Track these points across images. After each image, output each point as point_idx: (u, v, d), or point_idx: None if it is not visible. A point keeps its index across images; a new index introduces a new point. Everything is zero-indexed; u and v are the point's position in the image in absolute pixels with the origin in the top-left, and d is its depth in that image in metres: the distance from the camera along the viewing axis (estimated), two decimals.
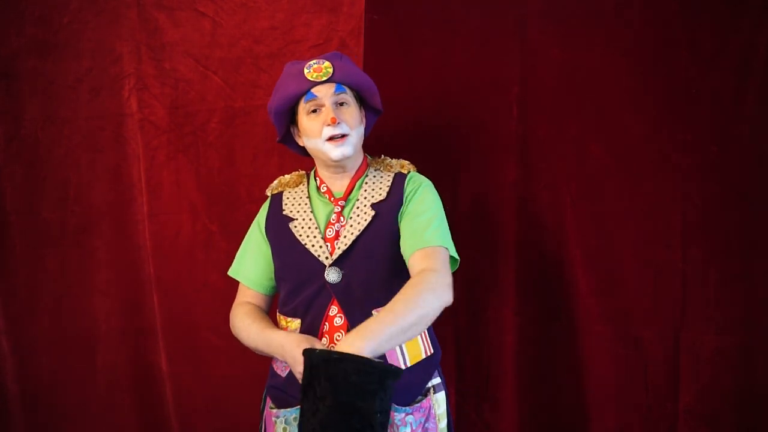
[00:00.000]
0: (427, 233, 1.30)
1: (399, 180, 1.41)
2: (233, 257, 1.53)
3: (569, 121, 1.71)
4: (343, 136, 1.34)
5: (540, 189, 1.74)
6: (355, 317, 1.28)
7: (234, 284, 1.64)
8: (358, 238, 1.32)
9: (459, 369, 1.81)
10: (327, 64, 1.35)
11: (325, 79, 1.34)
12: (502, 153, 1.76)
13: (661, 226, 1.67)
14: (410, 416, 1.32)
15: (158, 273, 1.93)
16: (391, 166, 1.45)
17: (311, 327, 1.32)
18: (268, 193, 1.51)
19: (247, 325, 1.37)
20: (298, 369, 1.16)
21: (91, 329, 1.98)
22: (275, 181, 1.51)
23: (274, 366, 1.41)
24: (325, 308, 1.32)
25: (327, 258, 1.33)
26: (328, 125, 1.32)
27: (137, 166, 1.93)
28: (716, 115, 1.61)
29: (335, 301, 1.32)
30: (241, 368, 1.95)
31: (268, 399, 1.43)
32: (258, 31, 1.85)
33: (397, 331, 1.12)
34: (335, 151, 1.34)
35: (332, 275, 1.31)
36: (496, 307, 1.80)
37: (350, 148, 1.35)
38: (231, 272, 1.51)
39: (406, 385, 1.30)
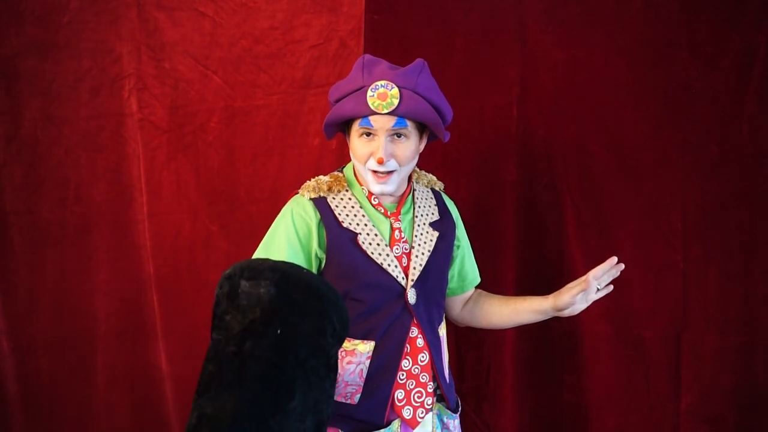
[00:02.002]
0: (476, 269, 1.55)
1: (438, 198, 1.45)
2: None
3: (569, 121, 1.71)
4: (389, 173, 1.26)
5: (540, 189, 1.75)
6: (429, 337, 1.31)
7: None
8: (429, 259, 1.32)
9: (459, 369, 1.81)
10: (395, 91, 1.22)
11: (386, 111, 1.21)
12: (502, 153, 1.76)
13: (661, 226, 1.67)
14: (457, 420, 1.41)
15: (158, 273, 1.93)
16: (426, 181, 1.46)
17: (392, 350, 1.27)
18: (307, 196, 1.31)
19: None
20: None
21: (91, 329, 1.98)
22: (312, 182, 1.33)
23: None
24: (407, 330, 1.28)
25: (403, 278, 1.29)
26: (375, 161, 1.25)
27: (137, 166, 1.93)
28: (716, 115, 1.61)
29: (415, 322, 1.30)
30: None
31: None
32: (258, 31, 1.85)
33: None
34: (375, 186, 1.28)
35: (412, 296, 1.29)
36: None
37: (392, 186, 1.28)
38: None
39: (452, 393, 1.41)
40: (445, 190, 1.55)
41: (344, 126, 1.35)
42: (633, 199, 1.68)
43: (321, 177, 1.35)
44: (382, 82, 1.23)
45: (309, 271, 0.84)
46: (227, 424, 0.73)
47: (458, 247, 1.48)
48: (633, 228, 1.69)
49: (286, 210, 1.32)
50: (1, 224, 1.95)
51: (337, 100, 1.31)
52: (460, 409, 1.44)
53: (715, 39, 1.60)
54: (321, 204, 1.30)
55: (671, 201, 1.66)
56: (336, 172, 1.39)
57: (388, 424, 1.27)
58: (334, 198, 1.32)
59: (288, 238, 1.27)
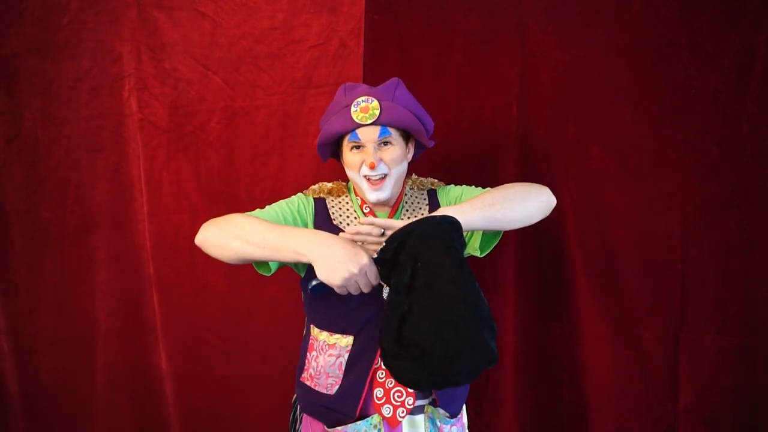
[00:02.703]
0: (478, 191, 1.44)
1: (432, 195, 1.49)
2: None
3: (569, 121, 1.71)
4: (382, 177, 1.35)
5: None
6: None
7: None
8: None
9: None
10: (375, 104, 1.33)
11: (369, 122, 1.33)
12: (502, 153, 1.76)
13: (660, 226, 1.67)
14: (454, 427, 1.40)
15: (158, 273, 1.93)
16: (423, 184, 1.51)
17: (367, 345, 1.32)
18: (310, 196, 1.44)
19: (250, 221, 1.22)
20: (360, 263, 1.12)
21: (91, 329, 1.98)
22: (315, 186, 1.47)
23: (312, 384, 1.37)
24: None
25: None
26: (367, 167, 1.34)
27: (137, 166, 1.93)
28: (716, 115, 1.61)
29: None
30: (241, 368, 1.95)
31: (308, 418, 1.41)
32: (258, 31, 1.85)
33: (494, 200, 1.25)
34: (371, 194, 1.36)
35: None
36: (496, 307, 1.80)
37: (386, 192, 1.36)
38: (252, 213, 1.35)
39: (454, 397, 1.38)
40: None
41: (336, 148, 1.45)
42: (632, 199, 1.68)
43: (325, 183, 1.47)
44: (363, 98, 1.35)
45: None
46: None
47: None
48: (632, 228, 1.69)
49: (293, 197, 1.44)
50: (1, 224, 1.95)
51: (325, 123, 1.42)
52: (460, 415, 1.43)
53: (715, 39, 1.60)
54: (319, 202, 1.43)
55: (671, 201, 1.66)
56: (340, 182, 1.49)
57: (363, 417, 1.32)
58: (332, 200, 1.43)
59: (291, 211, 1.38)
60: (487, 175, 1.77)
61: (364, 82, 1.79)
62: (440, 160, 1.73)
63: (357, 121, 1.33)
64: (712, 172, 1.62)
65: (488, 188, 1.41)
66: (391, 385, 1.32)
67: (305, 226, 1.37)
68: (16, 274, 1.96)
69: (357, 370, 1.32)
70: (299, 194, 1.45)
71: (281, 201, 1.42)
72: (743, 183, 1.60)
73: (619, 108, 1.67)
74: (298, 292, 1.61)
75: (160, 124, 1.90)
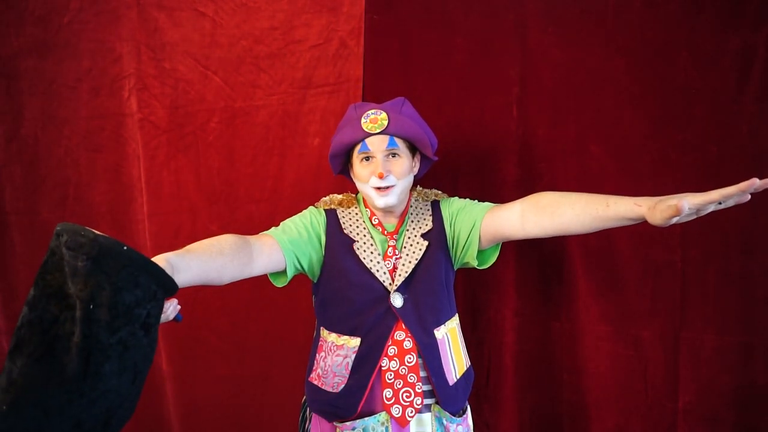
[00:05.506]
0: (480, 204, 1.48)
1: (436, 207, 1.52)
2: None
3: (569, 121, 1.71)
4: (389, 186, 1.40)
5: (540, 189, 1.74)
6: (420, 338, 1.40)
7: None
8: (416, 266, 1.42)
9: None
10: (383, 115, 1.40)
11: (378, 131, 1.39)
12: (502, 153, 1.76)
13: (660, 226, 1.67)
14: (460, 426, 1.44)
15: None
16: (428, 196, 1.55)
17: (374, 346, 1.38)
18: (321, 208, 1.50)
19: (209, 245, 1.18)
20: None
21: None
22: (326, 198, 1.53)
23: (319, 383, 1.44)
24: (389, 330, 1.39)
25: (390, 284, 1.41)
26: (376, 177, 1.40)
27: (137, 166, 1.93)
28: (716, 115, 1.61)
29: (401, 325, 1.40)
30: (241, 368, 1.95)
31: (317, 417, 1.47)
32: (258, 31, 1.85)
33: None
34: (379, 200, 1.41)
35: (397, 300, 1.40)
36: (496, 307, 1.80)
37: (394, 198, 1.41)
38: (268, 232, 1.40)
39: (456, 396, 1.43)
40: (445, 189, 1.57)
41: (346, 162, 1.50)
42: None
43: (335, 195, 1.53)
44: (372, 111, 1.42)
45: (128, 247, 0.84)
46: (37, 392, 0.78)
47: (452, 224, 1.46)
48: (632, 228, 1.68)
49: (304, 211, 1.50)
50: (1, 224, 1.95)
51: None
52: (465, 414, 1.47)
53: (714, 39, 1.60)
54: (330, 213, 1.48)
55: None
56: (350, 194, 1.54)
57: (365, 414, 1.38)
58: (343, 211, 1.49)
59: (304, 224, 1.44)
60: (487, 175, 1.77)
61: (364, 82, 1.79)
62: (441, 160, 1.72)
63: (366, 130, 1.39)
64: (712, 172, 1.62)
65: (489, 203, 1.47)
66: (399, 386, 1.37)
67: (318, 237, 1.43)
68: (16, 274, 1.96)
69: (362, 370, 1.38)
70: (310, 208, 1.51)
71: (295, 216, 1.47)
72: None
73: (619, 108, 1.67)
74: (298, 293, 1.61)
75: (160, 124, 1.90)
